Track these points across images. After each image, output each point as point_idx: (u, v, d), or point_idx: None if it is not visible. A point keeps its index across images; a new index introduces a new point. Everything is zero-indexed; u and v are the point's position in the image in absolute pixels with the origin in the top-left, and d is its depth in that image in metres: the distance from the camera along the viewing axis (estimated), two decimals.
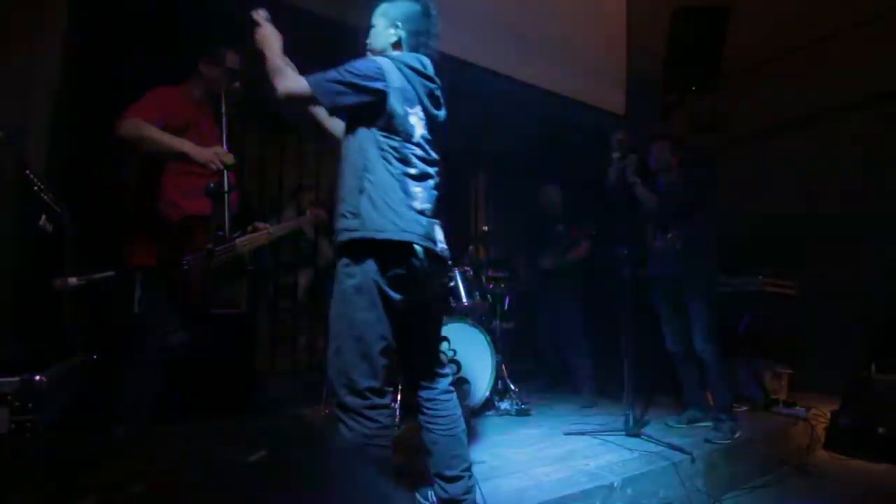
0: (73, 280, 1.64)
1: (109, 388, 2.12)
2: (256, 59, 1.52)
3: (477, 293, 3.32)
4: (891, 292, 3.67)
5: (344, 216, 1.47)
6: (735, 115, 4.90)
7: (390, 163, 1.46)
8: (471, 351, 3.16)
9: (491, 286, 3.51)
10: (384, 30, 1.61)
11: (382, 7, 1.62)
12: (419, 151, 1.53)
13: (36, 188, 1.35)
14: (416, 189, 1.49)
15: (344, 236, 1.46)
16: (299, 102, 1.48)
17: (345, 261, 1.48)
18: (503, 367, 3.38)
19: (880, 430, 2.90)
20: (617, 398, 3.35)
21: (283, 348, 4.05)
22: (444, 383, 1.65)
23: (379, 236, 1.41)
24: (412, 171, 1.49)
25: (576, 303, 3.65)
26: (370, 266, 1.42)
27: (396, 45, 1.61)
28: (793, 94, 4.48)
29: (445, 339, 3.08)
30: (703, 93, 4.34)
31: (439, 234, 1.56)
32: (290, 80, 1.43)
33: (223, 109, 1.81)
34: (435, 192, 1.58)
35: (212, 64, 2.03)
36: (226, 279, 1.98)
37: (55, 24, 2.16)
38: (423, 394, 1.62)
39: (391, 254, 1.44)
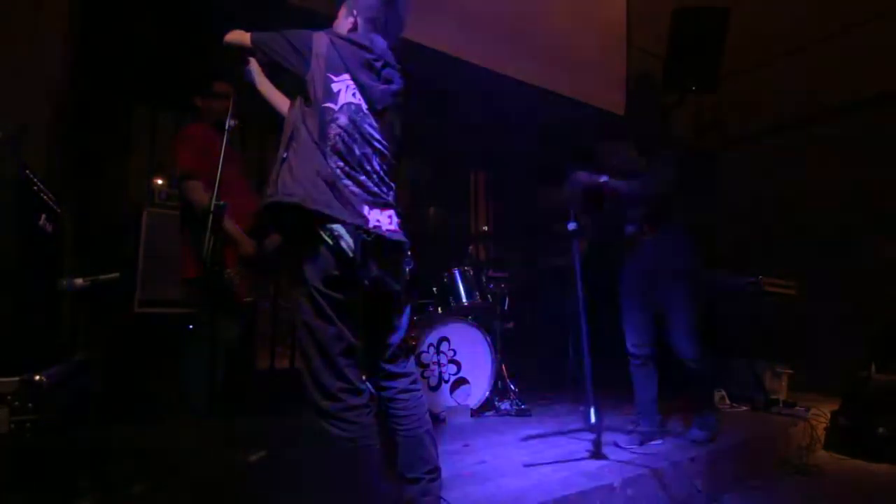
0: (78, 281, 1.65)
1: (110, 388, 2.12)
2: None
3: (477, 293, 3.33)
4: (890, 292, 3.67)
5: (268, 185, 1.48)
6: (735, 115, 4.90)
7: (311, 133, 1.45)
8: (471, 351, 3.16)
9: (491, 286, 3.51)
10: (343, 18, 1.65)
11: None
12: (343, 121, 1.47)
13: (36, 188, 1.35)
14: (336, 163, 1.44)
15: (262, 203, 1.49)
16: (238, 50, 1.57)
17: (292, 266, 1.48)
18: (503, 367, 3.39)
19: (880, 430, 2.90)
20: (617, 399, 3.36)
21: (282, 348, 4.05)
22: (403, 382, 1.60)
23: (286, 199, 1.39)
24: (332, 141, 1.45)
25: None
26: (306, 272, 1.40)
27: (352, 30, 1.63)
28: (793, 94, 4.48)
29: (446, 338, 3.08)
30: (703, 93, 4.34)
31: (376, 215, 1.48)
32: (236, 33, 1.56)
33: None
34: (370, 170, 1.50)
35: (209, 97, 2.20)
36: (260, 277, 2.21)
37: (55, 24, 2.16)
38: (382, 393, 1.60)
39: (309, 232, 1.39)
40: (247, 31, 1.55)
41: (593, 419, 2.17)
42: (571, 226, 2.38)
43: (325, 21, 1.68)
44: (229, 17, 1.59)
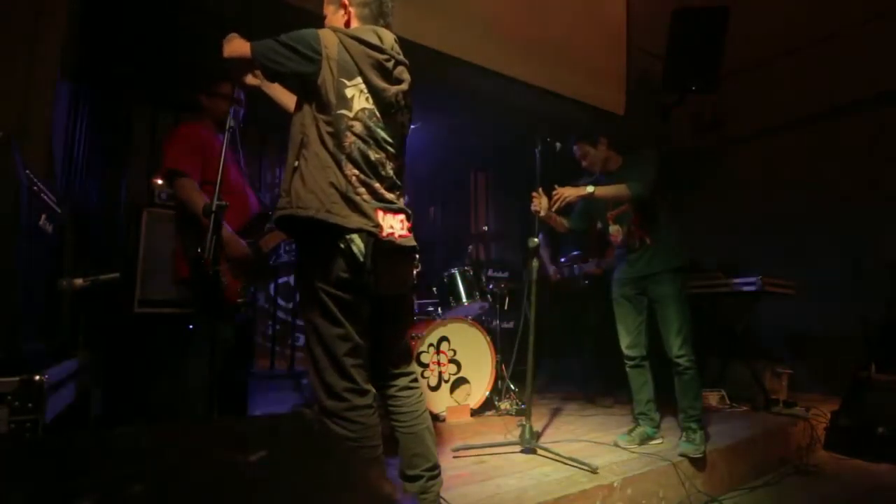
0: (78, 281, 1.65)
1: (109, 388, 2.12)
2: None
3: (477, 293, 3.33)
4: (890, 292, 3.66)
5: (280, 196, 1.45)
6: (735, 115, 4.90)
7: (325, 141, 1.41)
8: (471, 351, 3.16)
9: (491, 286, 3.51)
10: (333, 14, 1.59)
11: None
12: (359, 128, 1.44)
13: (36, 188, 1.35)
14: (352, 171, 1.41)
15: (276, 214, 1.45)
16: (240, 62, 1.49)
17: (296, 266, 1.48)
18: (503, 367, 3.39)
19: (880, 430, 2.89)
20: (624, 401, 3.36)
21: (282, 348, 4.06)
22: (403, 380, 1.62)
23: (300, 213, 1.37)
24: (348, 150, 1.42)
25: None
26: (315, 273, 1.39)
27: (347, 23, 1.57)
28: (793, 94, 4.47)
29: (446, 338, 3.08)
30: (703, 93, 4.34)
31: (390, 221, 1.47)
32: (235, 43, 1.46)
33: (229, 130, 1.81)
34: (384, 175, 1.49)
35: (215, 96, 2.15)
36: (254, 277, 2.17)
37: (55, 25, 2.16)
38: (384, 391, 1.61)
39: (322, 239, 1.38)
40: (247, 39, 1.46)
41: (528, 435, 2.26)
42: (536, 240, 2.36)
43: (320, 22, 1.64)
44: (228, 18, 1.57)
